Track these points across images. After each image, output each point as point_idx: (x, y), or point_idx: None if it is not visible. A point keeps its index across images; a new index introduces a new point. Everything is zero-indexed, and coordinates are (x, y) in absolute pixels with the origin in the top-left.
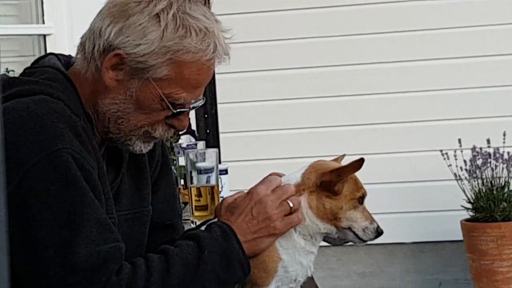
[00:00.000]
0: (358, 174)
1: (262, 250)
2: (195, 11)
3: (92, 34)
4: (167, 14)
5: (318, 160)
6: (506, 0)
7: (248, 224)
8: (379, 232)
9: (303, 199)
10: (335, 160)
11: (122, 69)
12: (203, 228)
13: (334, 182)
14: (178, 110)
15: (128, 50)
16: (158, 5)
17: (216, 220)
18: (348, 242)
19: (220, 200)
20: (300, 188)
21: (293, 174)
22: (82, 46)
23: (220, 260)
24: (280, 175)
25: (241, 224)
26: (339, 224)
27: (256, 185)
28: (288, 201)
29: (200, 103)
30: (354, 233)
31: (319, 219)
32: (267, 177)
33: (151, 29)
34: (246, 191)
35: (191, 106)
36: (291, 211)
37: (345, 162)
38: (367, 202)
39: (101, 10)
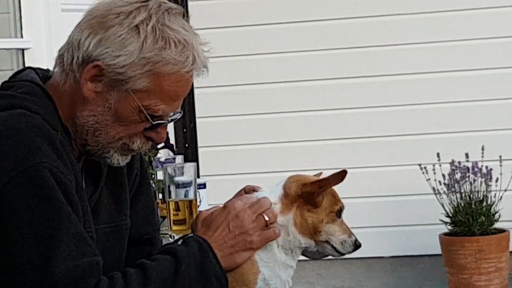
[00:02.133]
0: (336, 187)
1: (238, 264)
2: (174, 23)
3: (70, 46)
4: (147, 26)
5: (296, 174)
6: (486, 16)
7: (225, 238)
8: (357, 245)
9: (291, 216)
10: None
11: (101, 80)
12: (179, 242)
13: (316, 194)
14: (156, 122)
15: (108, 61)
16: (138, 17)
17: (192, 234)
18: (326, 255)
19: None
20: (285, 201)
21: (274, 187)
22: (60, 58)
23: (197, 274)
24: (255, 189)
25: (218, 238)
26: (318, 238)
27: (232, 200)
28: (264, 215)
29: (178, 115)
30: (332, 246)
31: (301, 235)
32: (241, 191)
33: (131, 41)
34: (222, 205)
35: (170, 118)
36: (267, 225)
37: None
38: (345, 215)
39: (79, 22)
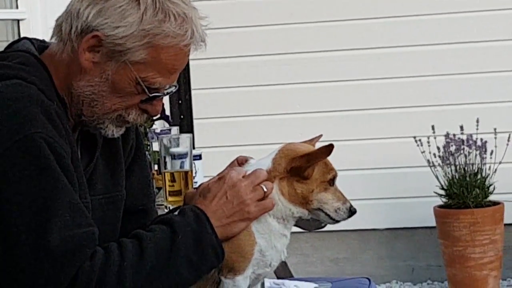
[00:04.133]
0: (331, 159)
1: (234, 234)
2: None
3: (69, 16)
4: None
5: (289, 143)
6: None
7: (222, 207)
8: (352, 212)
9: (275, 186)
10: (311, 140)
11: (99, 51)
12: (176, 212)
13: (304, 168)
14: (153, 95)
15: (107, 32)
16: None
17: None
18: (322, 226)
19: (193, 186)
20: (271, 175)
21: (263, 159)
22: (58, 28)
23: (193, 245)
24: (248, 159)
25: (215, 208)
26: (310, 206)
27: (228, 170)
28: (262, 186)
29: (174, 89)
30: (326, 213)
31: (291, 204)
32: (234, 161)
33: (131, 12)
34: (217, 176)
35: (165, 91)
36: (265, 196)
37: (319, 144)
38: (340, 187)
39: None
